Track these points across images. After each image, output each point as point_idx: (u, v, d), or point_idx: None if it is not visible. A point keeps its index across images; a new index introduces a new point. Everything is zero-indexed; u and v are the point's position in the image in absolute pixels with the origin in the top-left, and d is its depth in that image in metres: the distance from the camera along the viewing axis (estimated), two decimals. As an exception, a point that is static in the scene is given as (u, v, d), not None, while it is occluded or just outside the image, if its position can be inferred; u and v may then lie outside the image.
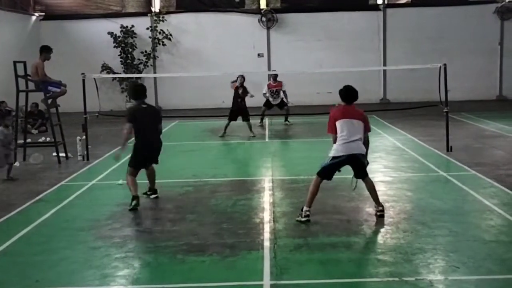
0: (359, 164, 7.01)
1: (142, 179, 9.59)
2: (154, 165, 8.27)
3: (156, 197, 8.25)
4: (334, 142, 6.96)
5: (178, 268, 5.52)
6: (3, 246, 6.25)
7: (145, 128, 7.78)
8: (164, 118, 17.87)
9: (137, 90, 8.17)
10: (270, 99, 16.08)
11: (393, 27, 22.27)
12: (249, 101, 14.68)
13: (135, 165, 7.92)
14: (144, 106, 7.95)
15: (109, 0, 23.56)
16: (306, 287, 5.03)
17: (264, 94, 16.09)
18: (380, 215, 6.95)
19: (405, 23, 22.18)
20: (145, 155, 7.97)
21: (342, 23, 22.38)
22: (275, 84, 16.05)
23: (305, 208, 6.91)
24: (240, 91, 14.39)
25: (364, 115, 7.08)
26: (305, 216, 6.87)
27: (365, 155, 7.05)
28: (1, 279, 5.38)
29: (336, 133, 6.91)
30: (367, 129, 7.07)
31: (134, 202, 7.64)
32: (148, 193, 8.33)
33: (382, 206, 7.05)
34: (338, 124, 6.92)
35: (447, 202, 7.63)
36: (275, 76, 16.25)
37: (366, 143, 7.08)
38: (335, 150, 6.91)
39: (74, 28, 22.41)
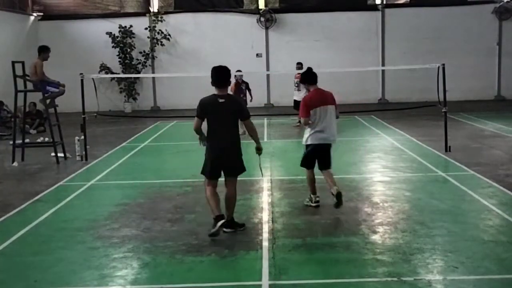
0: (327, 153, 7.30)
1: (143, 179, 9.63)
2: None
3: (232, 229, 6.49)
4: (306, 124, 7.22)
5: (176, 268, 5.51)
6: (1, 247, 6.24)
7: (214, 128, 6.36)
8: (163, 118, 18.11)
9: (219, 76, 6.43)
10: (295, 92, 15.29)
11: (392, 27, 22.28)
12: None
13: (205, 173, 6.55)
14: (221, 100, 6.31)
15: (108, 0, 23.53)
16: (305, 287, 5.04)
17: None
18: (338, 196, 7.05)
19: (403, 23, 22.19)
20: (212, 161, 6.42)
21: (341, 23, 22.39)
22: (298, 75, 14.93)
23: (313, 196, 7.39)
24: (244, 86, 14.47)
25: (333, 96, 7.38)
26: (315, 202, 7.40)
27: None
28: (0, 279, 5.38)
29: (309, 116, 7.11)
30: (337, 108, 7.40)
31: (215, 228, 6.19)
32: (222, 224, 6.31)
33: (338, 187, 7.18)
34: (313, 111, 7.12)
35: (445, 202, 7.63)
36: (299, 66, 15.50)
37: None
38: (311, 138, 7.19)
39: (72, 28, 22.40)
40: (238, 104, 6.50)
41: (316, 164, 7.43)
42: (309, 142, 7.25)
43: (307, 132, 7.25)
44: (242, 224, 6.60)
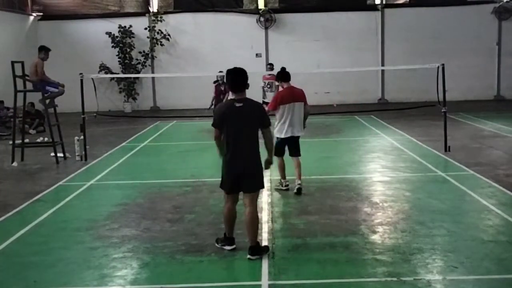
0: (296, 143, 8.34)
1: (140, 179, 9.63)
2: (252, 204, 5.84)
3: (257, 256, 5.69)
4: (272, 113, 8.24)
5: (176, 269, 5.51)
6: (0, 247, 6.24)
7: (233, 136, 5.65)
8: (162, 118, 18.11)
9: (234, 79, 5.77)
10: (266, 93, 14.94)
11: (391, 27, 22.29)
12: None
13: (224, 187, 5.92)
14: (238, 105, 5.66)
15: (107, 0, 23.53)
16: (304, 287, 5.04)
17: (262, 87, 15.30)
18: (298, 191, 8.16)
19: (403, 23, 22.20)
20: (231, 175, 5.76)
21: (340, 23, 22.39)
22: (269, 76, 15.01)
23: (283, 181, 8.39)
24: (223, 87, 14.46)
25: (304, 94, 8.27)
26: (285, 186, 8.37)
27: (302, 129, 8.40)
28: (-1, 279, 5.38)
29: (277, 109, 8.09)
30: (306, 104, 8.30)
31: (221, 245, 5.93)
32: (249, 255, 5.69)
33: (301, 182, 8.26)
34: (283, 106, 8.04)
35: (445, 202, 7.63)
36: (270, 67, 15.44)
37: (306, 115, 8.37)
38: (281, 131, 8.16)
39: (72, 28, 22.39)
40: (259, 109, 5.75)
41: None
42: (278, 136, 8.20)
43: (278, 126, 8.18)
44: (266, 246, 5.90)
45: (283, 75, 8.37)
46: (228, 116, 5.62)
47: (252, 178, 5.74)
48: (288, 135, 8.17)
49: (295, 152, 8.40)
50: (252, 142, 5.68)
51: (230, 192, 5.83)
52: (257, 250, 5.71)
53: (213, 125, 5.76)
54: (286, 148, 8.38)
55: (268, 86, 15.13)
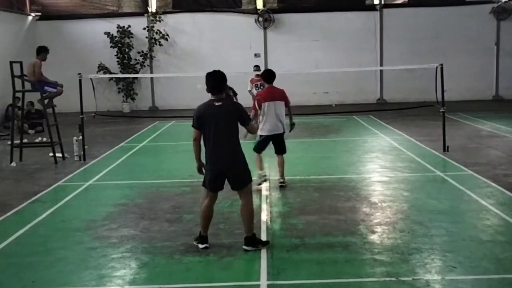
0: (280, 141, 8.54)
1: (138, 179, 9.63)
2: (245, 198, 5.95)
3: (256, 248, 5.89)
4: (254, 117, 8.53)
5: (175, 269, 5.51)
6: (-1, 247, 6.24)
7: (213, 135, 5.77)
8: (161, 118, 18.10)
9: (214, 82, 5.84)
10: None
11: (390, 27, 22.29)
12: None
13: (205, 185, 5.98)
14: (218, 104, 5.82)
15: (106, 0, 23.51)
16: (303, 287, 5.04)
17: (250, 91, 14.78)
18: (281, 186, 8.51)
19: (401, 23, 22.20)
20: (213, 173, 5.89)
21: (339, 23, 22.38)
22: (257, 78, 14.47)
23: (261, 172, 8.48)
24: (231, 93, 14.25)
25: (284, 93, 8.57)
26: (263, 176, 8.50)
27: (286, 127, 8.62)
28: (-2, 280, 5.38)
29: (259, 109, 8.38)
30: (287, 104, 8.60)
31: (196, 243, 6.03)
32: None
33: (284, 180, 8.61)
34: (263, 105, 8.32)
35: (443, 202, 7.64)
36: (257, 68, 14.88)
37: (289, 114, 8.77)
38: (263, 129, 8.38)
39: (70, 28, 22.36)
40: (237, 108, 5.92)
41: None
42: (260, 133, 8.42)
43: (260, 125, 8.39)
44: (266, 241, 6.03)
45: (269, 76, 8.60)
46: (208, 115, 5.74)
47: (237, 175, 5.87)
48: (271, 133, 8.40)
49: (279, 150, 8.62)
50: (233, 139, 5.83)
51: (212, 190, 5.93)
52: (253, 241, 5.87)
53: (192, 126, 5.89)
54: (271, 146, 8.64)
55: (262, 87, 14.91)
